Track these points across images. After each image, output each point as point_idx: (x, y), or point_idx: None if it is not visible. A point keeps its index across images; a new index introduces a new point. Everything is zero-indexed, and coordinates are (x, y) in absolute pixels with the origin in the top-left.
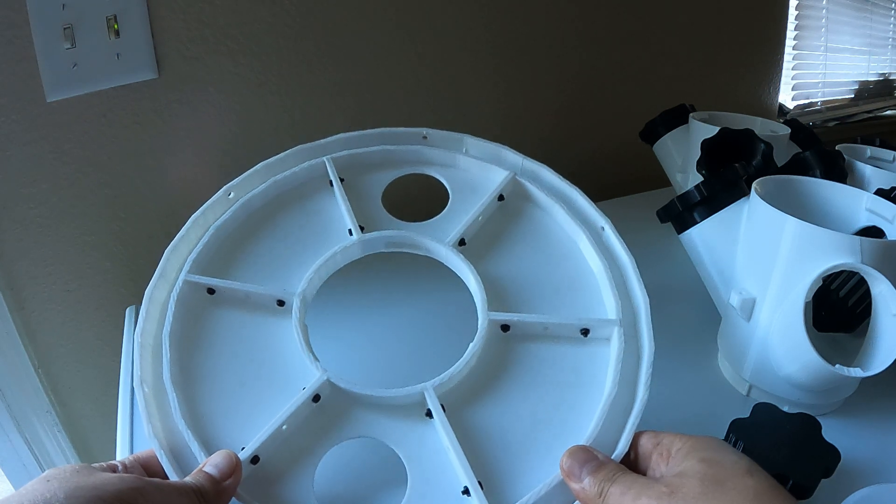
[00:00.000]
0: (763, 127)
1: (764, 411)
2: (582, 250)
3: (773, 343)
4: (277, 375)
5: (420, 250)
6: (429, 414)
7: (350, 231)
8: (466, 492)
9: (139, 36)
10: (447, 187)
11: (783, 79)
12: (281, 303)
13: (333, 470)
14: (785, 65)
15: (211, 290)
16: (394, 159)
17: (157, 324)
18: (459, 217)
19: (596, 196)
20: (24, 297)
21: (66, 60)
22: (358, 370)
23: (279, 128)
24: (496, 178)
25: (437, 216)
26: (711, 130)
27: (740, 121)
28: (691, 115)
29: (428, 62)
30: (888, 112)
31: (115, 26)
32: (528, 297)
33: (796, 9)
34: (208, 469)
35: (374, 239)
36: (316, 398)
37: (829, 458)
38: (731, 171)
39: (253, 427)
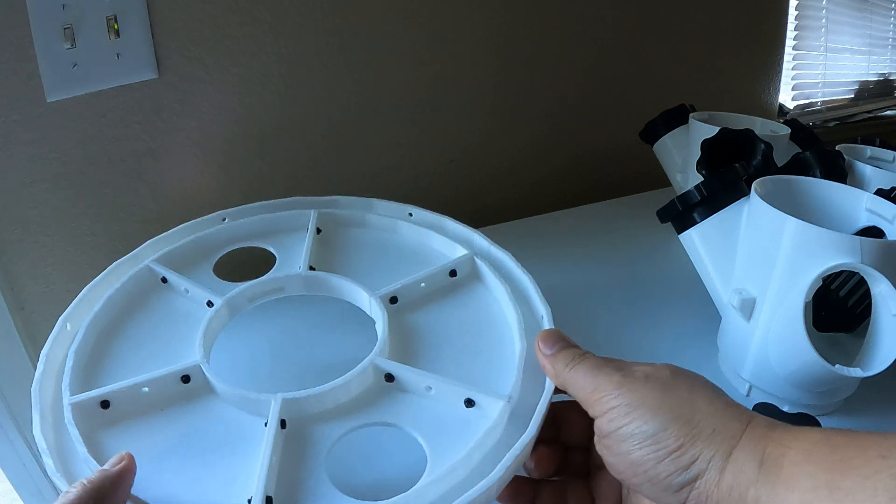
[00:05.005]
0: (763, 127)
1: (764, 411)
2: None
3: (773, 343)
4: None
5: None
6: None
7: (209, 303)
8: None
9: (139, 36)
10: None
11: (783, 79)
12: (186, 378)
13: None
14: (785, 65)
15: (105, 404)
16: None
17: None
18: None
19: (596, 197)
20: (24, 297)
21: (66, 60)
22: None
23: (279, 128)
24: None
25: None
26: (711, 130)
27: (740, 121)
28: (691, 115)
29: (426, 62)
30: (888, 112)
31: (115, 26)
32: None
33: (796, 9)
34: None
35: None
36: (283, 424)
37: None
38: (731, 171)
39: None
